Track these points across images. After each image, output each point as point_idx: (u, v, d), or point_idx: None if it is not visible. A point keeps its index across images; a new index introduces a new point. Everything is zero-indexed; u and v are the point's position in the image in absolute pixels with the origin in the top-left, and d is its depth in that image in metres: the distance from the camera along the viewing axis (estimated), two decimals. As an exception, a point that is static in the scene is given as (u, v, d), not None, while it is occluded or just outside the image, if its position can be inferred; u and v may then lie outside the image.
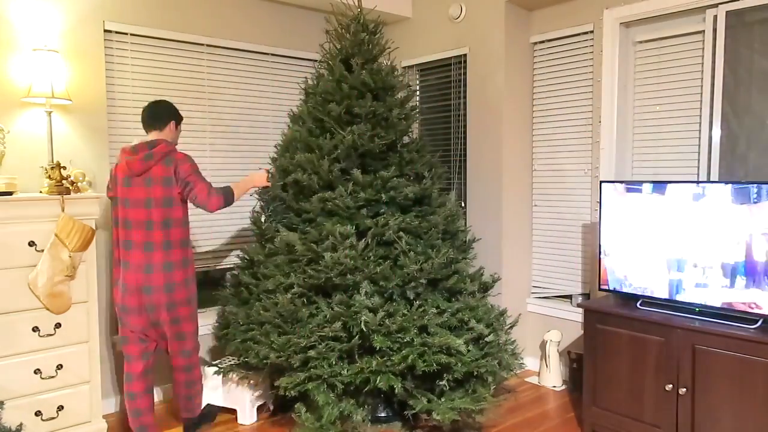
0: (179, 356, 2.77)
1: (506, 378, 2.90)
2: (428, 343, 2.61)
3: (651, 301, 2.74)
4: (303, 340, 2.70)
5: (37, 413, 2.62)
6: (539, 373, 3.65)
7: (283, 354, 2.73)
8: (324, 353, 2.68)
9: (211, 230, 3.61)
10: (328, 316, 2.71)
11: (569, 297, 3.70)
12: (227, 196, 2.74)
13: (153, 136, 2.68)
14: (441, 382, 2.61)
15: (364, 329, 2.62)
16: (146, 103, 2.74)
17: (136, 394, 2.68)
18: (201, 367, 2.98)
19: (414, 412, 2.67)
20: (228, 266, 3.71)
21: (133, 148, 2.60)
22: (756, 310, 2.39)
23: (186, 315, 2.71)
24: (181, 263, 2.65)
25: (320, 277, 2.77)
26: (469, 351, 2.68)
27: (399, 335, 2.65)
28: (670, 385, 2.51)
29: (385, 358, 2.62)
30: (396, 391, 2.62)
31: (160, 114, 2.70)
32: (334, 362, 2.67)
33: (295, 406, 2.77)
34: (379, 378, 2.60)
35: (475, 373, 2.67)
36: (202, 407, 3.01)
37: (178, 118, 2.78)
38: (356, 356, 2.69)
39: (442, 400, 2.66)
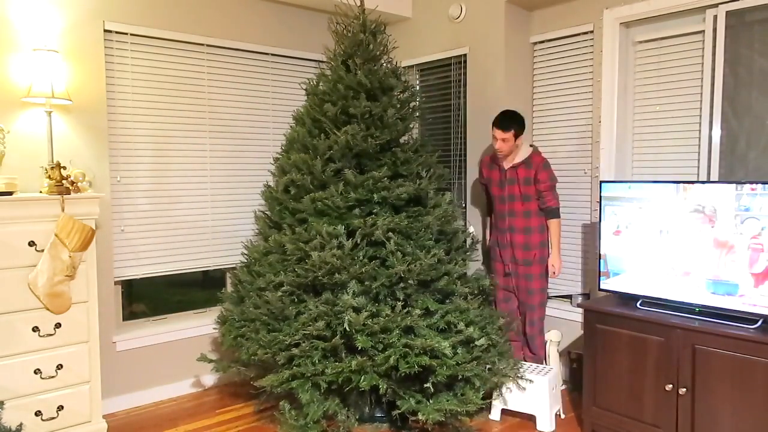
0: None
1: (496, 383, 2.89)
2: (410, 344, 2.61)
3: (651, 301, 2.74)
4: (288, 337, 2.71)
5: (37, 413, 2.62)
6: (539, 373, 3.65)
7: (270, 351, 2.75)
8: (308, 351, 2.69)
9: (213, 230, 3.61)
10: (313, 314, 2.73)
11: (569, 297, 3.70)
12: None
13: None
14: (426, 385, 2.61)
15: (347, 329, 2.62)
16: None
17: None
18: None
19: (400, 412, 2.67)
20: (228, 266, 3.71)
21: None
22: (756, 310, 2.39)
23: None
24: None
25: (308, 275, 2.78)
26: (456, 354, 2.67)
27: (383, 336, 2.65)
28: (670, 385, 2.51)
29: (365, 358, 2.63)
30: (381, 391, 2.62)
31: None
32: (317, 360, 2.68)
33: (280, 403, 2.79)
34: (362, 378, 2.60)
35: (460, 376, 2.66)
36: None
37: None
38: (342, 355, 2.70)
39: (431, 401, 2.66)
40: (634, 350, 2.64)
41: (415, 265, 2.75)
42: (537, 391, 2.96)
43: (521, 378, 2.96)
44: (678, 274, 2.63)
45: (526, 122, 3.25)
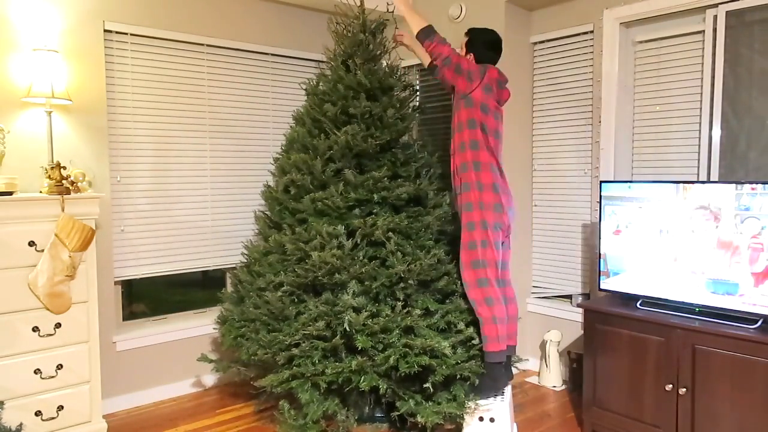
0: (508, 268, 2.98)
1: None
2: (410, 344, 2.61)
3: (651, 301, 2.74)
4: (288, 338, 2.72)
5: (37, 413, 2.62)
6: (539, 373, 3.65)
7: (270, 351, 2.75)
8: (308, 351, 2.69)
9: (213, 230, 3.61)
10: (313, 315, 2.73)
11: (569, 297, 3.70)
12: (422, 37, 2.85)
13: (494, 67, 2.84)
14: (426, 384, 2.61)
15: (347, 329, 2.62)
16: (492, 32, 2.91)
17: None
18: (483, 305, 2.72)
19: (399, 413, 2.67)
20: (228, 266, 3.71)
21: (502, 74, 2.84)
22: (756, 310, 2.39)
23: None
24: None
25: (308, 275, 2.78)
26: (455, 353, 2.68)
27: (383, 336, 2.65)
28: (670, 385, 2.51)
29: (365, 358, 2.63)
30: (381, 391, 2.62)
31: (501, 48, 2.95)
32: (317, 360, 2.68)
33: (280, 402, 2.79)
34: (362, 378, 2.60)
35: (459, 375, 2.66)
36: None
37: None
38: (342, 355, 2.70)
39: (429, 403, 2.66)
40: (634, 350, 2.64)
41: (415, 265, 2.75)
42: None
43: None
44: (678, 273, 2.63)
45: (486, 43, 2.88)
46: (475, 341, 2.76)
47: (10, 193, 2.55)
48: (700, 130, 3.05)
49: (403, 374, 2.60)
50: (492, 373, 2.71)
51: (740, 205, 2.42)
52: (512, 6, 3.60)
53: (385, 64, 3.19)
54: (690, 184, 2.58)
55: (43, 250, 2.59)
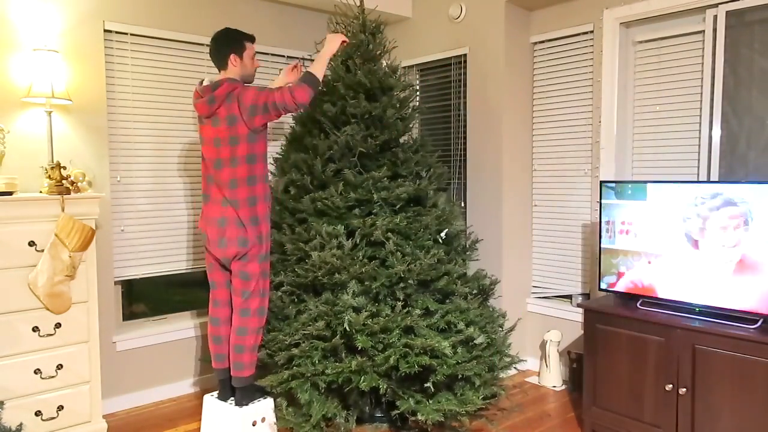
0: (238, 296, 2.72)
1: (495, 381, 2.88)
2: (410, 344, 2.60)
3: (651, 301, 2.74)
4: (288, 337, 2.72)
5: (37, 413, 2.62)
6: (539, 373, 3.65)
7: (269, 351, 2.75)
8: (308, 351, 2.69)
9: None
10: (313, 314, 2.73)
11: (569, 297, 3.70)
12: (309, 80, 2.59)
13: (220, 75, 2.68)
14: (426, 384, 2.61)
15: (347, 329, 2.62)
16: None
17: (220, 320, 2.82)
18: (258, 318, 2.72)
19: (399, 412, 2.67)
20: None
21: (201, 89, 2.61)
22: (756, 310, 2.39)
23: (252, 254, 2.65)
24: (247, 201, 2.62)
25: (308, 275, 2.78)
26: (456, 353, 2.68)
27: (383, 336, 2.65)
28: (670, 385, 2.51)
29: (365, 358, 2.63)
30: (381, 391, 2.62)
31: (217, 51, 2.66)
32: (317, 361, 2.68)
33: (277, 400, 2.80)
34: (362, 378, 2.60)
35: (461, 375, 2.66)
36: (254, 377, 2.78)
37: (239, 47, 2.65)
38: (342, 355, 2.70)
39: (430, 402, 2.66)
40: (634, 350, 2.64)
41: (414, 265, 2.75)
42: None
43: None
44: (677, 273, 2.63)
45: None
46: (476, 341, 2.76)
47: (10, 193, 2.55)
48: (700, 130, 3.05)
49: (403, 374, 2.60)
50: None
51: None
52: (512, 6, 3.60)
53: (385, 64, 3.19)
54: (689, 184, 2.58)
55: (43, 250, 2.59)
